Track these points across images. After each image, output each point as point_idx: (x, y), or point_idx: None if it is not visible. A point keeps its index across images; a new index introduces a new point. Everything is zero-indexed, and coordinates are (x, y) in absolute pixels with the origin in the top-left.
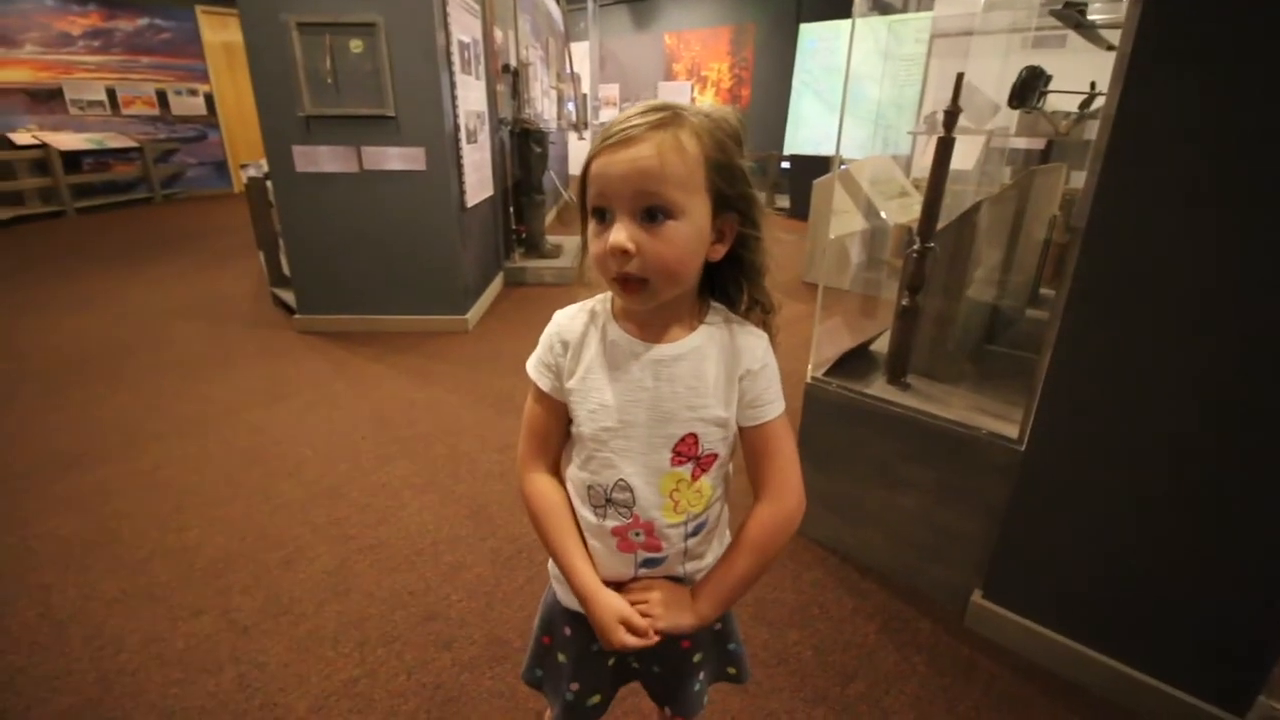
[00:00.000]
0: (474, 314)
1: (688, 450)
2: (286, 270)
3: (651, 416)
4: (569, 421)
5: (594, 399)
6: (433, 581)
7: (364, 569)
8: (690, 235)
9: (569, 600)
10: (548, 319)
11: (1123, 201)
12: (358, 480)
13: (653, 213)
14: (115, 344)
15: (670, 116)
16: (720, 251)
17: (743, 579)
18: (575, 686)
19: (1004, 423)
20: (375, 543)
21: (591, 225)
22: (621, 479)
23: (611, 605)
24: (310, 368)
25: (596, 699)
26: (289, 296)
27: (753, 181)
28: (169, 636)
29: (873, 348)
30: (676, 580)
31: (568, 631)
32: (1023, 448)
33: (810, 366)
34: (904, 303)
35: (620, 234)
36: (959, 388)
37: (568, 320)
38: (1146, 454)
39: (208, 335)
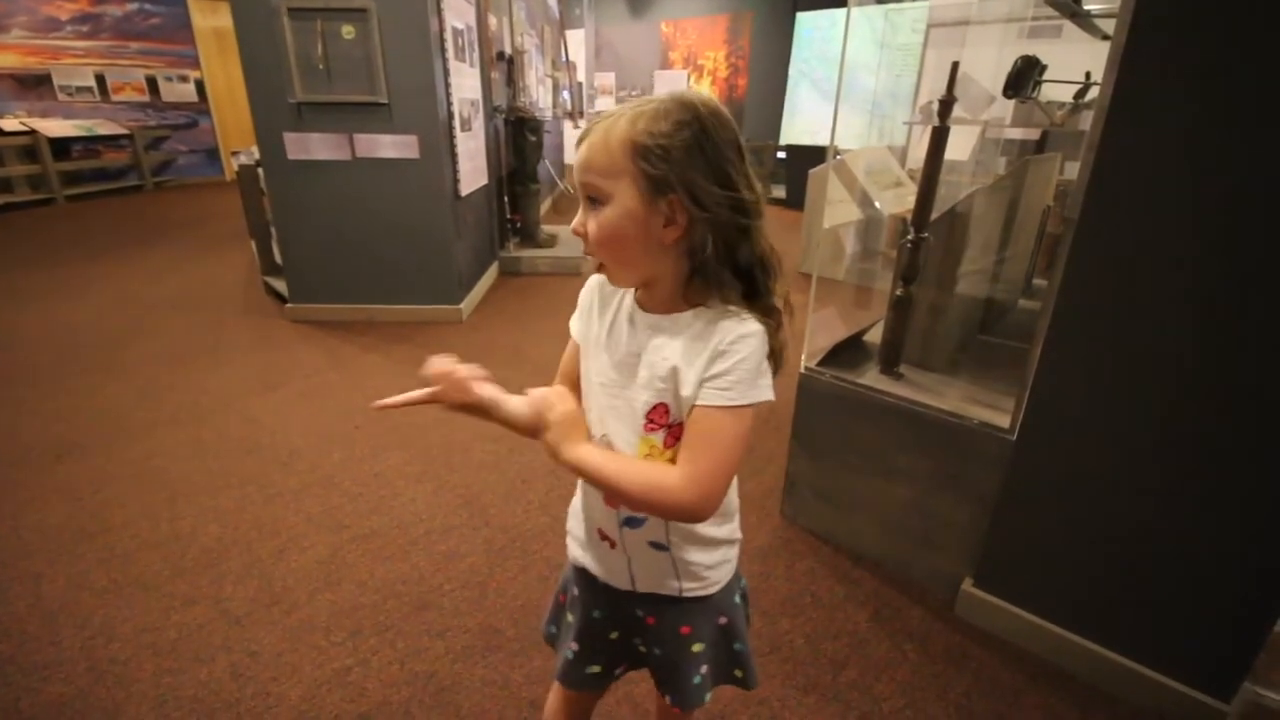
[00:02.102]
0: (468, 304)
1: (659, 419)
2: (279, 259)
3: (632, 381)
4: None
5: (592, 354)
6: (426, 571)
7: (357, 558)
8: (614, 217)
9: (573, 553)
10: (543, 308)
11: (1116, 192)
12: (351, 469)
13: (592, 199)
14: (106, 333)
15: (619, 112)
16: (672, 234)
17: (602, 465)
18: (575, 647)
19: (996, 412)
20: (368, 532)
21: None
22: (605, 434)
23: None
24: (303, 357)
25: (596, 669)
26: (281, 285)
27: (693, 165)
28: (161, 626)
29: (866, 338)
30: (659, 548)
31: (575, 590)
32: (1014, 437)
33: (804, 356)
34: (897, 293)
35: (577, 219)
36: (951, 377)
37: (601, 282)
38: (1135, 444)
39: (199, 324)
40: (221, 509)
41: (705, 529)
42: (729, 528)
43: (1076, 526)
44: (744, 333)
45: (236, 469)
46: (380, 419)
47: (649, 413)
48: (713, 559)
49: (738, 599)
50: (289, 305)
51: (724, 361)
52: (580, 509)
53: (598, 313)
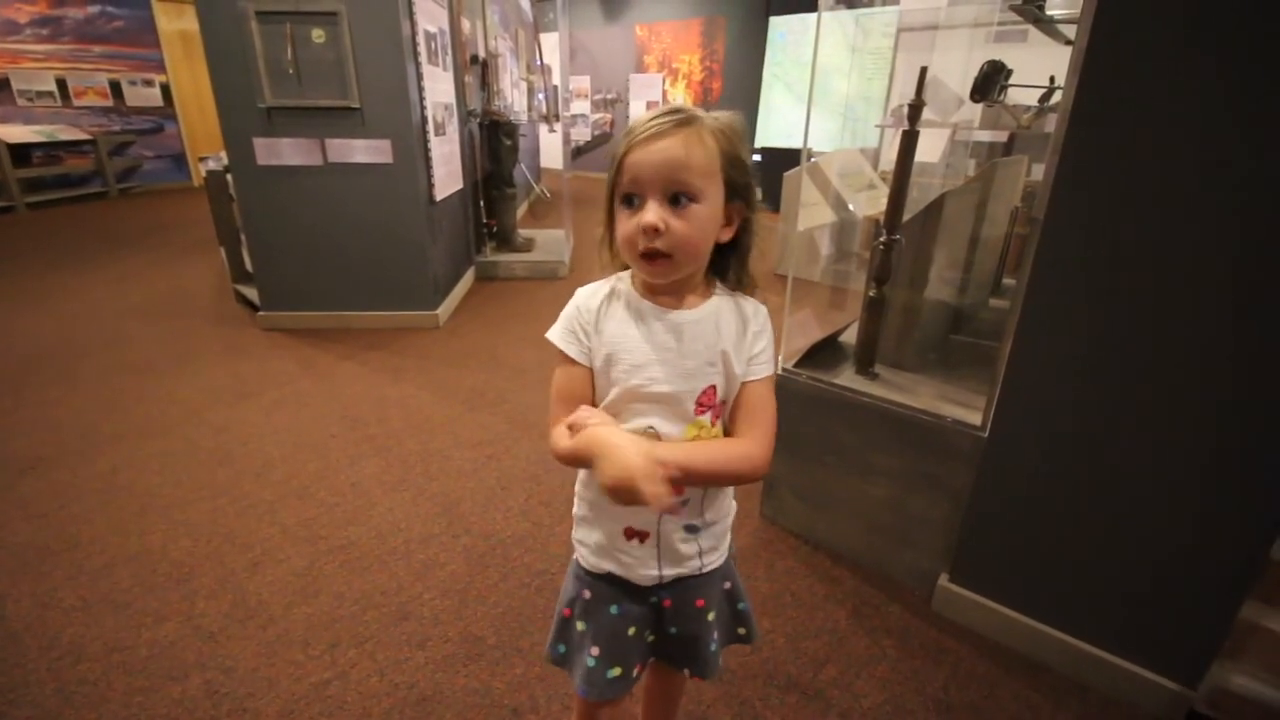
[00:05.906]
0: (445, 309)
1: (708, 400)
2: (249, 266)
3: (677, 373)
4: (593, 386)
5: (625, 360)
6: (405, 580)
7: (334, 570)
8: (706, 216)
9: (591, 562)
10: (520, 313)
11: (1079, 192)
12: (327, 479)
13: (677, 197)
14: (71, 344)
15: (689, 117)
16: (729, 234)
17: (709, 459)
18: (595, 651)
19: (968, 410)
20: (345, 543)
21: (622, 211)
22: (650, 425)
23: (640, 451)
24: (276, 366)
25: (617, 671)
26: (252, 293)
27: (751, 177)
28: (132, 644)
29: (842, 338)
30: (692, 530)
31: (586, 595)
32: (986, 434)
33: (780, 358)
34: (871, 294)
35: (651, 214)
36: (925, 377)
37: (590, 294)
38: (1103, 438)
39: (168, 334)
40: (193, 522)
41: (727, 497)
42: (732, 491)
43: (1047, 520)
44: (766, 313)
45: (208, 481)
46: (356, 428)
47: (700, 397)
48: (727, 524)
49: (732, 562)
50: (261, 313)
51: (761, 341)
52: (597, 516)
53: (601, 324)
